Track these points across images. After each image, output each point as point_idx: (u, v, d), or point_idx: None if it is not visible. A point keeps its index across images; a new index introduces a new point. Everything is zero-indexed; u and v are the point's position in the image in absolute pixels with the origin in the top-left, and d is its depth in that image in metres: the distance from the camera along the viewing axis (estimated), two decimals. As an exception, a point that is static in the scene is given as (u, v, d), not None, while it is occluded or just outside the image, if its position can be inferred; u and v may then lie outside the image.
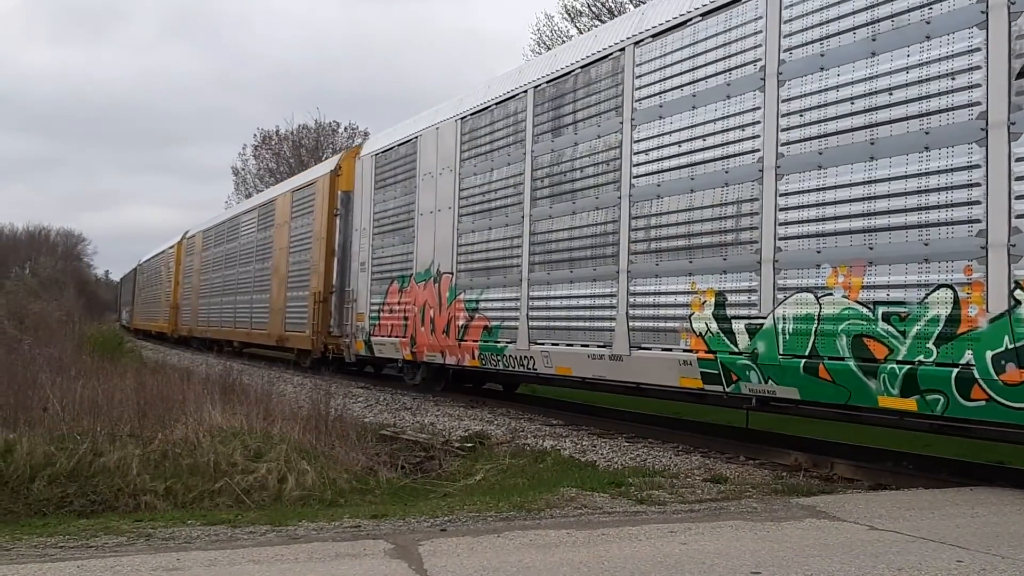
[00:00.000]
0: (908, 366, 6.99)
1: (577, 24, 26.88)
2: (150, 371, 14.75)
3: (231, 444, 8.57)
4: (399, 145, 16.06)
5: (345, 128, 52.00)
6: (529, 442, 10.26)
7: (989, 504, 6.02)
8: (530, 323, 11.89)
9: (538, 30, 30.96)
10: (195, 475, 8.07)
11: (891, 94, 7.29)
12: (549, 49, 26.03)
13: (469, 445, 10.27)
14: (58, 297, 51.48)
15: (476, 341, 13.06)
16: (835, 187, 7.71)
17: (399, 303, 15.45)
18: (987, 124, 6.59)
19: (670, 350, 9.45)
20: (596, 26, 24.34)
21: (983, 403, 6.50)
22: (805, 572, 4.11)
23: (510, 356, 12.29)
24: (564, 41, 26.30)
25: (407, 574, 4.16)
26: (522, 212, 12.21)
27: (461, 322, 13.46)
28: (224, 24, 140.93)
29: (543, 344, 11.60)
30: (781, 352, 8.04)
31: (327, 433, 9.57)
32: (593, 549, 4.66)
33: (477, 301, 13.13)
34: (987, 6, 6.64)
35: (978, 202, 6.63)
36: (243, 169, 54.72)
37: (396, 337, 15.46)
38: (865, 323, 7.37)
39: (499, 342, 12.50)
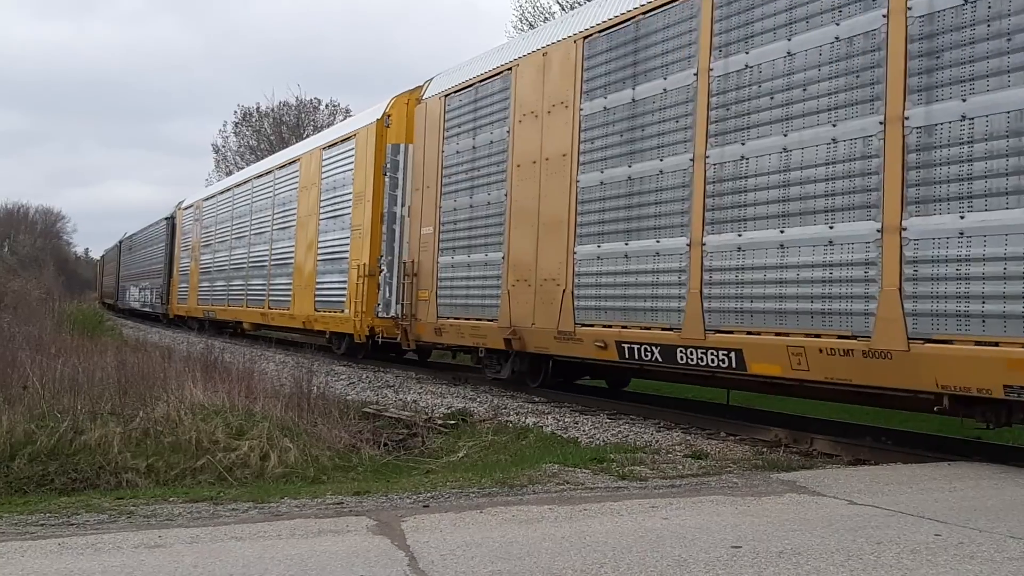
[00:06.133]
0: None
1: (560, 0, 26.68)
2: (131, 349, 14.68)
3: (213, 421, 8.55)
4: None
5: (326, 105, 51.70)
6: (512, 419, 10.28)
7: (966, 479, 6.08)
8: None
9: (520, 6, 30.74)
10: (177, 452, 8.05)
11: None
12: (532, 27, 25.81)
13: (452, 422, 10.28)
14: (37, 275, 51.10)
15: None
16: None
17: None
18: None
19: None
20: (579, 3, 24.11)
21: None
22: (785, 546, 4.15)
23: None
24: (547, 19, 26.07)
25: (390, 550, 4.16)
26: None
27: None
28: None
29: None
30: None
31: (309, 411, 9.56)
32: (575, 524, 4.68)
33: None
34: None
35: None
36: (223, 146, 54.28)
37: None
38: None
39: None
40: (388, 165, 15.55)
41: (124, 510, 5.46)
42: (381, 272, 15.51)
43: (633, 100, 10.01)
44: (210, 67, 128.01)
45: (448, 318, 13.33)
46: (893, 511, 4.95)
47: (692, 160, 9.12)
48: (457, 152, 13.46)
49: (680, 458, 7.60)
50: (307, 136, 36.96)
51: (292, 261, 20.67)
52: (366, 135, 16.70)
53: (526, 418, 10.33)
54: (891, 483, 5.88)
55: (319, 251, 18.98)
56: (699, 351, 8.96)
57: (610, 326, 10.12)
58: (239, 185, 26.57)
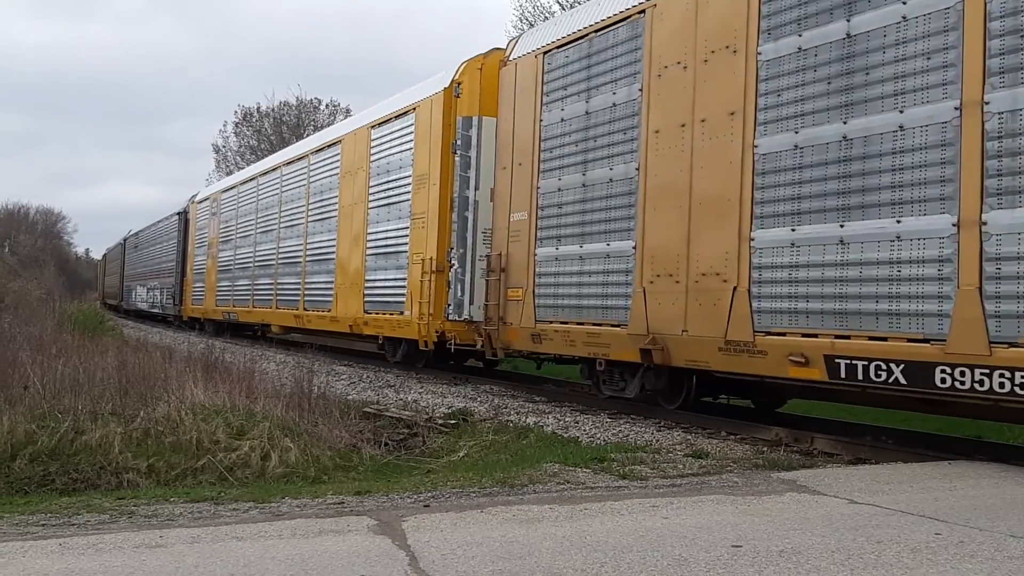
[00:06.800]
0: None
1: (560, 0, 26.69)
2: (132, 349, 14.68)
3: (214, 421, 8.56)
4: None
5: (327, 105, 51.74)
6: (512, 419, 10.29)
7: (967, 478, 6.09)
8: None
9: (520, 6, 30.73)
10: (178, 453, 8.06)
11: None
12: (532, 26, 25.81)
13: (452, 422, 10.29)
14: (38, 276, 51.11)
15: None
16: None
17: None
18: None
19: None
20: (579, 2, 24.12)
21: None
22: (786, 545, 4.15)
23: None
24: (547, 18, 26.09)
25: (391, 550, 4.17)
26: None
27: None
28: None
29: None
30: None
31: (310, 410, 9.57)
32: (576, 524, 4.68)
33: None
34: None
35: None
36: (224, 147, 54.31)
37: None
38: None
39: None
40: (458, 142, 13.38)
41: (125, 510, 5.46)
42: (451, 267, 13.52)
43: (847, 35, 7.73)
44: (209, 68, 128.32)
45: (551, 322, 11.08)
46: (893, 510, 4.96)
47: (958, 109, 6.87)
48: (562, 120, 11.15)
49: (680, 457, 7.61)
50: (307, 136, 36.82)
51: (333, 256, 18.21)
52: (430, 107, 14.36)
53: (527, 418, 10.33)
54: (891, 482, 5.89)
55: (368, 244, 16.52)
56: (978, 371, 6.62)
57: (815, 335, 7.82)
58: (265, 174, 23.72)
